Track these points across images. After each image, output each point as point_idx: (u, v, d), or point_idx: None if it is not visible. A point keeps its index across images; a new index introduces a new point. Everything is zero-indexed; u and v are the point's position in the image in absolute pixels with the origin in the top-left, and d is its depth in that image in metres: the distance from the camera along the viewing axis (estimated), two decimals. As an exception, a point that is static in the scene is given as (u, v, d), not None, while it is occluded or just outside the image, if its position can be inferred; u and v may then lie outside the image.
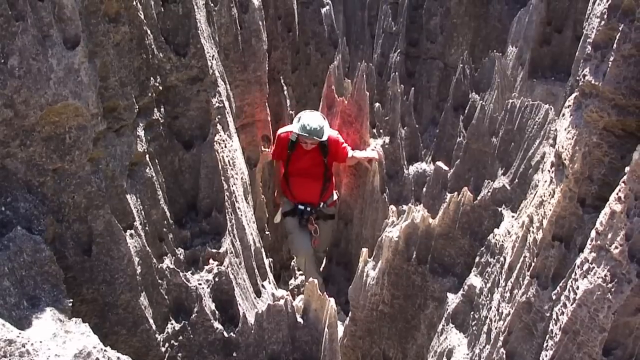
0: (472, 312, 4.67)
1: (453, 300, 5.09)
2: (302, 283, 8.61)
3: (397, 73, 8.91)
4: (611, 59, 2.86)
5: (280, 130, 7.41)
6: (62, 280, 2.54)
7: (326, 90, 8.73)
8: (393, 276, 5.82)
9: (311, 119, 6.97)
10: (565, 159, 3.20)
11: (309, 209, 7.52)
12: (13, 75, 2.42)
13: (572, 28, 8.29)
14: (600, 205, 3.03)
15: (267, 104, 7.40)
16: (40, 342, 2.17)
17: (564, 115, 3.42)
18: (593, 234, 2.82)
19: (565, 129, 3.27)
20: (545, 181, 3.53)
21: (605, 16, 2.96)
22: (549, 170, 3.51)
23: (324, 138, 7.01)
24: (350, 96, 8.26)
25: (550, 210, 3.31)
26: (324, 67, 10.46)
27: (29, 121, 2.51)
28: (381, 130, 8.74)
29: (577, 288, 2.89)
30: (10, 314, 2.22)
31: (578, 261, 2.96)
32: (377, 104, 8.91)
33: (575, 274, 2.95)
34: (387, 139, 8.58)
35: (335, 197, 7.91)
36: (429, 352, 5.41)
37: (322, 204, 7.69)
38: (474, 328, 4.55)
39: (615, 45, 2.84)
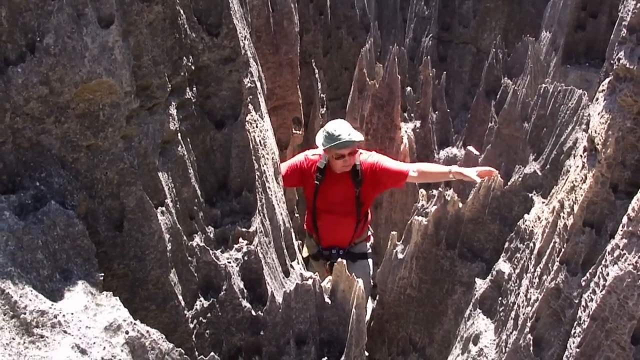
0: (500, 298, 4.66)
1: (481, 285, 5.07)
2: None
3: (429, 57, 8.87)
4: (647, 42, 2.83)
5: (307, 153, 5.76)
6: (94, 255, 2.57)
7: (358, 74, 8.72)
8: (422, 260, 5.82)
9: (337, 123, 5.35)
10: (598, 144, 3.16)
11: (334, 251, 5.90)
12: (48, 53, 2.46)
13: (608, 13, 8.18)
14: (632, 191, 3.00)
15: (298, 87, 7.41)
16: (72, 314, 2.21)
17: (597, 99, 3.39)
18: (625, 220, 2.79)
19: (598, 114, 3.24)
20: (577, 166, 3.50)
21: (642, -1, 2.91)
22: (581, 155, 3.48)
23: (357, 139, 5.28)
24: (381, 80, 8.24)
25: (582, 195, 3.28)
26: (356, 51, 10.46)
27: (63, 98, 2.54)
28: (412, 114, 8.74)
29: (607, 274, 2.87)
30: (43, 286, 2.26)
31: (609, 247, 2.93)
32: (408, 88, 8.91)
33: (606, 260, 2.93)
34: (418, 123, 8.58)
35: (368, 233, 6.28)
36: (455, 337, 5.41)
37: (353, 245, 6.07)
38: (501, 314, 4.54)
39: (651, 29, 2.80)
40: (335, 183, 5.54)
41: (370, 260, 6.27)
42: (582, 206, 3.28)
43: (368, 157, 5.61)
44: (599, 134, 3.16)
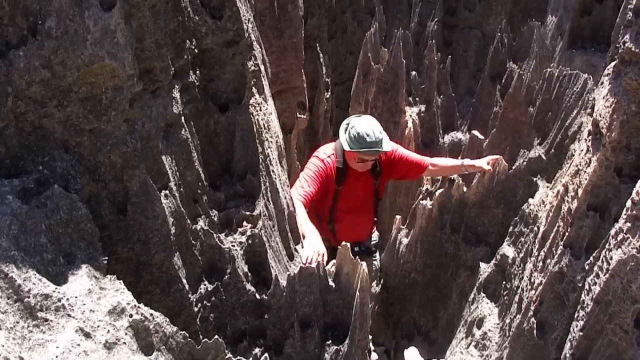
0: (503, 282, 4.67)
1: (485, 269, 5.09)
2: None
3: (434, 41, 8.85)
4: (652, 25, 2.81)
5: (322, 156, 5.01)
6: (98, 239, 2.58)
7: (362, 58, 8.70)
8: (426, 244, 5.83)
9: (368, 125, 4.76)
10: (602, 128, 3.16)
11: (356, 248, 5.48)
12: (50, 37, 2.45)
13: (615, -3, 8.11)
14: (637, 175, 3.00)
15: (302, 71, 7.38)
16: (76, 297, 2.22)
17: (602, 83, 3.37)
18: (629, 203, 2.79)
19: (603, 97, 3.23)
20: (582, 150, 3.49)
21: (648, -19, 2.90)
22: (585, 139, 3.47)
23: (388, 148, 4.89)
24: (386, 64, 8.23)
25: (586, 179, 3.27)
26: (361, 36, 10.44)
27: (66, 82, 2.53)
28: (417, 99, 8.72)
29: (611, 258, 2.88)
30: (47, 269, 2.27)
31: (612, 231, 2.93)
32: (413, 72, 8.88)
33: (610, 244, 2.93)
34: (422, 107, 8.57)
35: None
36: (459, 321, 5.43)
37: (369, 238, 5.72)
38: (505, 298, 4.55)
39: (657, 12, 2.78)
40: (357, 182, 5.14)
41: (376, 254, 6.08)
42: (586, 190, 3.27)
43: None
44: (603, 117, 3.15)
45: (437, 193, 5.69)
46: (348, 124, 4.90)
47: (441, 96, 8.76)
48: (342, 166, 4.95)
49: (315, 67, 8.88)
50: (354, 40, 10.97)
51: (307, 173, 4.82)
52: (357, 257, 4.94)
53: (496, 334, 4.53)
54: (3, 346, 1.79)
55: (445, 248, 5.72)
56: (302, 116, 7.47)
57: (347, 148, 4.79)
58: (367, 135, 4.67)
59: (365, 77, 8.65)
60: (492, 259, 5.06)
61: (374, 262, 5.72)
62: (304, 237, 4.15)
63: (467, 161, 5.29)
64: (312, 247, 3.97)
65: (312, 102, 8.66)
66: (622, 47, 3.08)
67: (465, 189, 5.47)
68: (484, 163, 5.17)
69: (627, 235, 2.77)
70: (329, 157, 5.00)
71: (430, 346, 5.97)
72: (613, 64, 3.27)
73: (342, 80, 11.01)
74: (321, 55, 9.04)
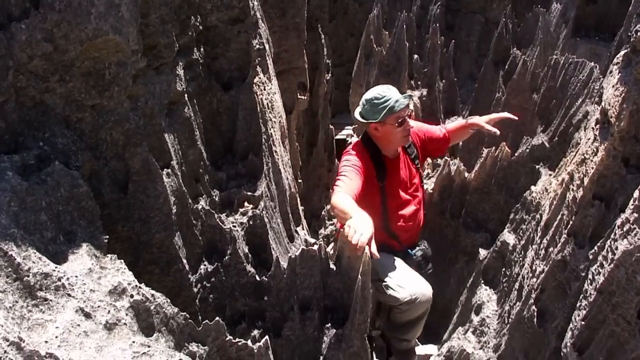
0: (503, 269, 4.64)
1: (485, 255, 5.06)
2: (332, 232, 8.61)
3: (437, 25, 8.81)
4: (666, 13, 2.77)
5: (354, 151, 4.02)
6: (99, 217, 2.54)
7: (365, 40, 8.64)
8: (425, 229, 5.80)
9: (380, 87, 4.06)
10: (611, 117, 3.11)
11: (420, 253, 4.62)
12: (53, 9, 2.40)
13: (621, -14, 8.07)
14: (644, 165, 2.96)
15: (304, 52, 7.33)
16: (76, 276, 2.18)
17: (611, 72, 3.33)
18: (636, 194, 2.76)
19: (613, 86, 3.18)
20: (589, 139, 3.45)
21: (663, -31, 2.85)
22: (593, 128, 3.43)
23: (410, 104, 4.30)
24: (389, 47, 8.18)
25: (593, 168, 3.24)
26: (362, 18, 10.39)
27: (68, 56, 2.49)
28: (419, 82, 8.67)
29: (616, 248, 2.84)
30: (47, 248, 2.23)
31: (619, 221, 2.90)
32: (415, 56, 8.83)
33: (615, 234, 2.90)
34: (424, 91, 8.52)
35: None
36: (457, 306, 5.41)
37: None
38: (504, 284, 4.53)
39: (671, 0, 2.74)
40: (399, 169, 4.30)
41: None
42: (592, 179, 3.24)
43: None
44: (612, 106, 3.11)
45: (438, 177, 5.67)
46: (361, 104, 4.10)
47: (443, 80, 8.73)
48: (376, 157, 4.13)
49: (317, 48, 8.83)
50: (355, 22, 10.92)
51: (344, 172, 3.85)
52: (424, 260, 4.46)
53: (494, 321, 4.52)
54: (2, 326, 1.75)
55: (444, 233, 5.70)
56: (302, 97, 7.42)
57: (376, 119, 3.98)
58: (383, 90, 3.99)
59: (367, 60, 8.61)
60: (492, 245, 5.03)
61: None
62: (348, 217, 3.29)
63: (471, 119, 4.71)
64: (359, 228, 3.08)
65: (312, 84, 8.61)
66: (634, 36, 3.03)
67: (466, 174, 5.44)
68: (486, 123, 4.56)
69: (634, 226, 2.73)
70: (360, 151, 4.07)
71: (427, 331, 5.96)
72: (623, 52, 3.22)
73: (341, 62, 10.97)
74: (322, 36, 8.99)
